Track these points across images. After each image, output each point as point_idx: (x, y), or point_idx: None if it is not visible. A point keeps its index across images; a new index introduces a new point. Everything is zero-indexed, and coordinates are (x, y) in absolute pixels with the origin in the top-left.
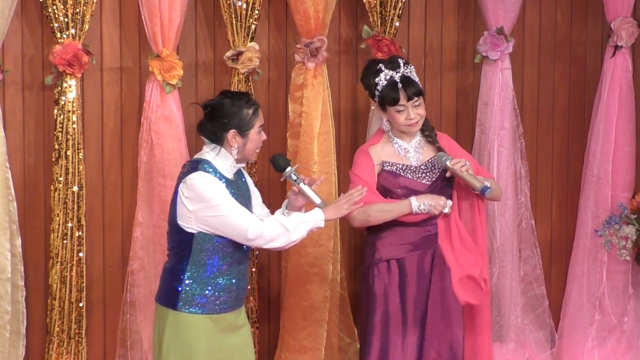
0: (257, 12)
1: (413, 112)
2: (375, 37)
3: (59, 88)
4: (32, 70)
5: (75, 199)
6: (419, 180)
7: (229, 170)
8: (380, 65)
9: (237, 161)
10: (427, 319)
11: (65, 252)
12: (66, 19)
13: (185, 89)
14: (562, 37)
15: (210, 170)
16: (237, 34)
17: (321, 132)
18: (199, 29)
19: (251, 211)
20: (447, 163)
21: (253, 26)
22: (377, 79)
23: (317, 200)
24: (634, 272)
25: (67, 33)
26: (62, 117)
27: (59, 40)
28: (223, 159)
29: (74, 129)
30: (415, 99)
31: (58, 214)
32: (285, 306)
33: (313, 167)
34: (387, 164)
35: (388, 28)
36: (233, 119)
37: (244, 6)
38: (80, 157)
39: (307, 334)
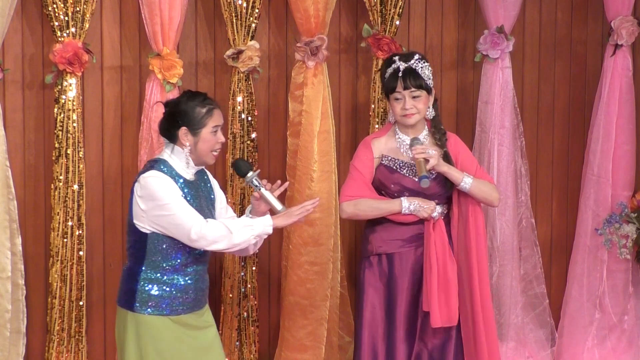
0: (257, 10)
1: (409, 102)
2: (376, 36)
3: (59, 87)
4: (33, 69)
5: (76, 197)
6: (414, 178)
7: (186, 171)
8: (396, 57)
9: (195, 163)
10: (419, 316)
11: (66, 251)
12: (66, 18)
13: (186, 88)
14: (562, 36)
15: (165, 169)
16: (237, 32)
17: (321, 131)
18: (199, 27)
19: (213, 214)
20: (411, 147)
21: (253, 25)
22: (387, 69)
23: (279, 207)
24: (634, 270)
25: (68, 32)
26: (62, 115)
27: (59, 39)
28: (179, 158)
29: (74, 127)
30: (413, 89)
31: (58, 212)
32: (285, 305)
33: (313, 166)
34: (385, 158)
35: (388, 27)
36: (184, 117)
37: (244, 5)
38: (80, 155)
39: (307, 333)
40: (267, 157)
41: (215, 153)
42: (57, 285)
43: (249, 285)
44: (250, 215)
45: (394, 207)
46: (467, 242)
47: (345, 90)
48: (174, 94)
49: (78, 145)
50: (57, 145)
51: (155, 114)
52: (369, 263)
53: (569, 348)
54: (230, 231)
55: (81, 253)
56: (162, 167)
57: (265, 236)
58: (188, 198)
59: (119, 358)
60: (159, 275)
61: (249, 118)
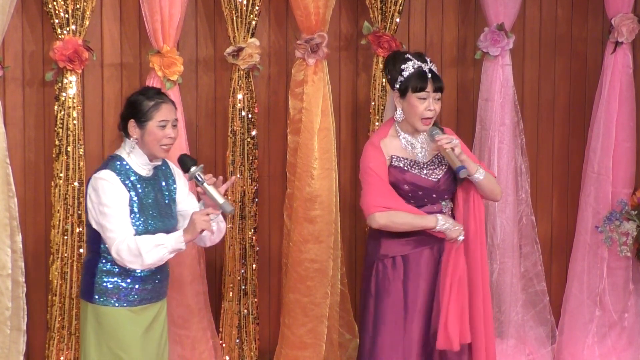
0: (257, 8)
1: (433, 104)
2: (376, 33)
3: (60, 84)
4: (33, 67)
5: (76, 195)
6: (426, 177)
7: (142, 167)
8: (408, 55)
9: (150, 158)
10: (433, 313)
11: (66, 248)
12: (66, 15)
13: (186, 85)
14: (562, 33)
15: (119, 165)
16: (237, 30)
17: (321, 129)
18: (199, 25)
19: (172, 208)
20: (435, 137)
21: (253, 22)
22: (404, 65)
23: (220, 200)
24: (634, 268)
25: (68, 29)
26: (62, 113)
27: (60, 36)
28: (130, 151)
29: (74, 125)
30: (439, 93)
31: (58, 210)
32: (285, 302)
33: (314, 164)
34: (395, 159)
35: (388, 24)
36: (132, 109)
37: (245, 2)
38: (80, 153)
39: (308, 330)
40: (267, 154)
41: (164, 147)
42: (57, 282)
43: (249, 283)
44: (198, 211)
45: (428, 223)
46: (467, 235)
47: (346, 87)
48: (174, 92)
49: (78, 142)
50: (57, 142)
51: None
52: (383, 265)
53: (569, 345)
54: (141, 253)
55: (81, 250)
56: (117, 164)
57: (182, 250)
58: (141, 195)
59: (81, 349)
60: (116, 267)
61: (249, 115)
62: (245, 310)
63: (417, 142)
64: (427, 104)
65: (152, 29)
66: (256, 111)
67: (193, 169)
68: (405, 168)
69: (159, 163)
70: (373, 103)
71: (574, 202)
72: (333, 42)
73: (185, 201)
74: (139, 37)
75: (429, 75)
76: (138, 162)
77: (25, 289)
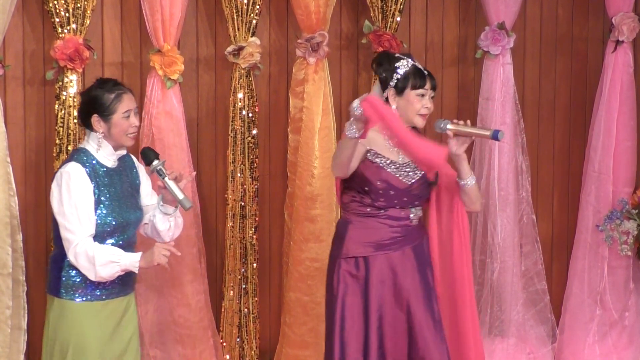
0: (258, 7)
1: (429, 101)
2: (377, 32)
3: (60, 83)
4: (33, 65)
5: None
6: (400, 177)
7: (107, 158)
8: (397, 54)
9: (115, 147)
10: (386, 321)
11: None
12: (67, 14)
13: (186, 84)
14: (563, 32)
15: (85, 158)
16: (238, 29)
17: (322, 127)
18: (200, 23)
19: (138, 200)
20: (449, 126)
21: (254, 21)
22: (399, 64)
23: (180, 196)
24: (635, 267)
25: (68, 28)
26: (63, 112)
27: (60, 35)
28: (97, 145)
29: (75, 124)
30: (434, 92)
31: None
32: (286, 301)
33: (314, 163)
34: (372, 154)
35: (389, 23)
36: (94, 104)
37: (245, 1)
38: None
39: (309, 329)
40: (268, 153)
41: (130, 136)
42: None
43: (249, 282)
44: (162, 204)
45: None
46: (452, 244)
47: (346, 86)
48: (175, 91)
49: (79, 141)
50: (58, 141)
51: (155, 110)
52: (345, 263)
53: (569, 344)
54: (94, 264)
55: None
56: (83, 157)
57: (134, 270)
58: (109, 186)
59: (44, 343)
60: None
61: (250, 114)
62: (246, 309)
63: None
64: (424, 101)
65: (152, 27)
66: (257, 110)
67: (155, 162)
68: (381, 165)
69: (124, 153)
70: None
71: (574, 201)
72: (334, 41)
73: (149, 196)
74: (140, 36)
75: (426, 73)
76: (104, 153)
77: (26, 287)
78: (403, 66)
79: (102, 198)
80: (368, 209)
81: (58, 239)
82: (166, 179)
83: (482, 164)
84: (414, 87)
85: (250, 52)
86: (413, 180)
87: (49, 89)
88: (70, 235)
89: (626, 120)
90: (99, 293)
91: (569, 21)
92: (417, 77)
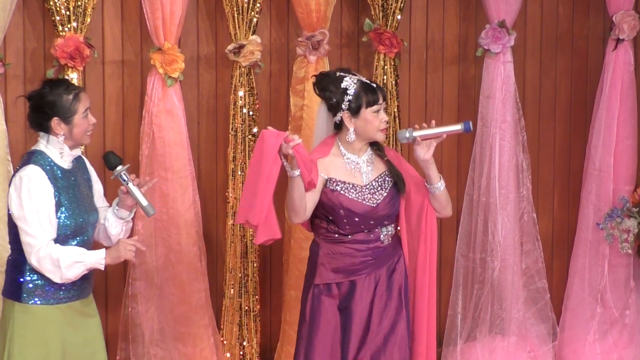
0: (258, 5)
1: (385, 114)
2: (377, 31)
3: None
4: (34, 64)
5: None
6: (363, 201)
7: (64, 159)
8: (337, 72)
9: (71, 147)
10: (366, 344)
11: None
12: (68, 12)
13: (187, 82)
14: (563, 30)
15: (43, 161)
16: (238, 27)
17: None
18: (200, 22)
19: (93, 200)
20: (416, 133)
21: (255, 19)
22: (345, 84)
23: (144, 202)
24: (635, 265)
25: (69, 26)
26: None
27: (61, 34)
28: (56, 148)
29: None
30: (385, 102)
31: None
32: (286, 299)
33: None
34: (331, 182)
35: (390, 21)
36: (53, 107)
37: None
38: (81, 150)
39: None
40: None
41: (89, 134)
42: None
43: (250, 280)
44: (117, 208)
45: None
46: (417, 253)
47: None
48: (175, 89)
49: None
50: None
51: (156, 108)
52: (319, 290)
53: (570, 342)
54: (60, 267)
55: None
56: (39, 159)
57: (100, 267)
58: (67, 188)
59: (3, 350)
60: None
61: (251, 112)
62: (247, 307)
63: (361, 161)
64: (381, 115)
65: (153, 26)
66: (257, 108)
67: (119, 168)
68: (342, 192)
69: (78, 154)
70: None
71: (575, 199)
72: (334, 39)
73: (101, 198)
74: (140, 35)
75: (375, 86)
76: (58, 155)
77: None
78: (351, 86)
79: (62, 200)
80: (335, 235)
81: (16, 243)
82: (130, 184)
83: (483, 162)
84: (369, 105)
85: (251, 50)
86: (378, 201)
87: None
88: (32, 240)
89: (627, 119)
90: (61, 295)
91: (569, 19)
92: (368, 94)
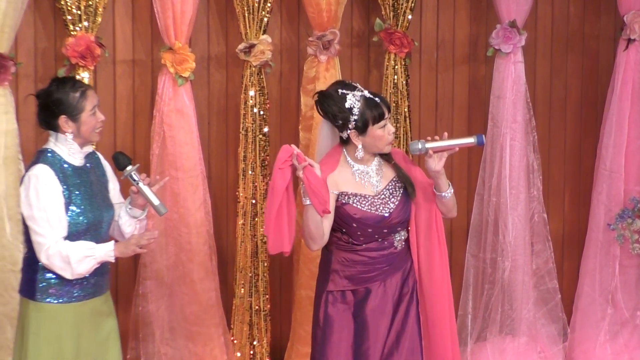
0: (269, 4)
1: (392, 126)
2: (388, 30)
3: None
4: (45, 63)
5: None
6: (375, 212)
7: (75, 157)
8: (338, 90)
9: (81, 145)
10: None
11: None
12: (79, 12)
13: (198, 82)
14: (574, 30)
15: (52, 159)
16: (249, 26)
17: None
18: (211, 21)
19: (108, 197)
20: (428, 145)
21: (265, 19)
22: (349, 103)
23: (156, 202)
24: None
25: (80, 25)
26: None
27: (72, 33)
28: (65, 146)
29: None
30: (390, 112)
31: None
32: (297, 299)
33: None
34: (342, 196)
35: (400, 21)
36: (60, 105)
37: None
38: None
39: None
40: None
41: (98, 131)
42: None
43: (260, 279)
44: (130, 207)
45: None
46: (431, 255)
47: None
48: (186, 88)
49: None
50: None
51: (167, 107)
52: (333, 297)
53: (581, 343)
54: (70, 263)
55: None
56: (48, 158)
57: (110, 259)
58: (79, 186)
59: (18, 347)
60: None
61: (261, 112)
62: (257, 307)
63: (371, 170)
64: (388, 128)
65: (164, 25)
66: (268, 108)
67: (129, 168)
68: (354, 205)
69: (90, 150)
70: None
71: (585, 199)
72: (345, 39)
73: (116, 195)
74: (151, 34)
75: (378, 100)
76: (69, 152)
77: None
78: (355, 104)
79: (73, 198)
80: (348, 244)
81: (30, 241)
82: (140, 184)
83: (493, 162)
84: (375, 121)
85: (262, 49)
86: (391, 210)
87: None
88: (41, 239)
89: (638, 119)
90: (75, 294)
91: (580, 19)
92: (373, 110)
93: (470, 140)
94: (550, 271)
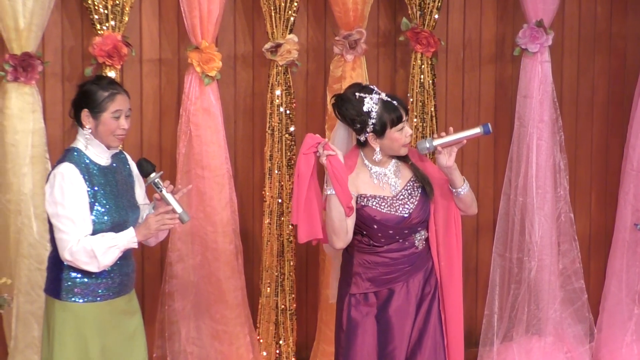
0: (295, 4)
1: (409, 128)
2: (414, 30)
3: None
4: (72, 62)
5: None
6: (395, 213)
7: (101, 156)
8: (356, 94)
9: (107, 146)
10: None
11: None
12: (106, 11)
13: (224, 81)
14: (601, 30)
15: (78, 157)
16: (275, 26)
17: None
18: (237, 21)
19: (134, 198)
20: (436, 142)
21: (292, 18)
22: (366, 107)
23: (179, 209)
24: None
25: (107, 25)
26: None
27: (99, 32)
28: (86, 142)
29: None
30: (408, 114)
31: None
32: (323, 298)
33: None
34: (361, 198)
35: (427, 20)
36: (85, 98)
37: None
38: (119, 148)
39: None
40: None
41: (118, 137)
42: None
43: (286, 279)
44: (154, 212)
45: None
46: (449, 250)
47: (384, 83)
48: (212, 87)
49: None
50: None
51: (193, 106)
52: (355, 300)
53: (607, 343)
54: (96, 255)
55: None
56: (75, 156)
57: (134, 247)
58: (104, 185)
59: (45, 345)
60: None
61: (287, 111)
62: (283, 306)
63: (388, 171)
64: (405, 130)
65: (190, 24)
66: (294, 107)
67: (153, 175)
68: (374, 207)
69: (117, 151)
70: (411, 99)
71: (612, 199)
72: (371, 38)
73: (142, 197)
74: (178, 33)
75: (395, 103)
76: (95, 151)
77: None
78: (373, 108)
79: (98, 197)
80: (369, 246)
81: (55, 239)
82: (164, 191)
83: (520, 162)
84: (393, 124)
85: (288, 49)
86: (411, 210)
87: None
88: (65, 236)
89: None
90: (100, 293)
91: (607, 19)
92: (391, 113)
93: (477, 130)
94: (576, 271)
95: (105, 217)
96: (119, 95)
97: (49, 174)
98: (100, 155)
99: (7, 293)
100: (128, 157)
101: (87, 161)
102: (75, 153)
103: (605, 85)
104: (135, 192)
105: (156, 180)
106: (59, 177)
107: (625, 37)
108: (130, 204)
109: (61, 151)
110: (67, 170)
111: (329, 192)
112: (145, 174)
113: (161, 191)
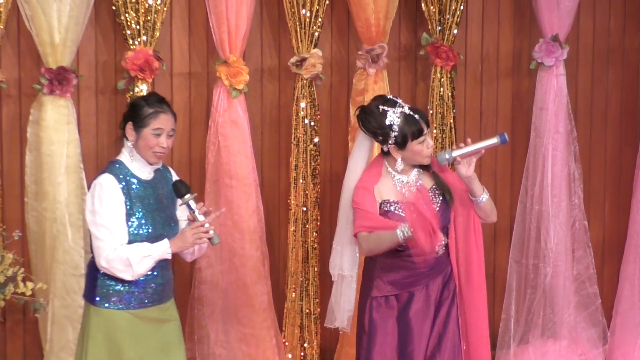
0: (320, 19)
1: (431, 140)
2: (434, 44)
3: (131, 92)
4: (105, 75)
5: None
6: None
7: (142, 170)
8: (379, 107)
9: (149, 162)
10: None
11: None
12: (138, 27)
13: (251, 94)
14: (615, 44)
15: (119, 169)
16: (301, 40)
17: None
18: (264, 35)
19: (174, 211)
20: (454, 154)
21: (316, 33)
22: (389, 120)
23: (210, 232)
24: None
25: (139, 40)
26: None
27: (131, 47)
28: (129, 154)
29: None
30: (429, 127)
31: None
32: None
33: None
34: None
35: (446, 35)
36: (132, 112)
37: (308, 14)
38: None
39: None
40: (329, 160)
41: (157, 154)
42: None
43: (311, 284)
44: (190, 226)
45: (393, 237)
46: (469, 257)
47: (405, 96)
48: (240, 100)
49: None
50: None
51: (222, 118)
52: (377, 303)
53: (620, 346)
54: (131, 264)
55: None
56: (116, 168)
57: (168, 257)
58: (143, 198)
59: (79, 349)
60: None
61: (312, 123)
62: (307, 310)
63: (411, 180)
64: (427, 142)
65: (219, 39)
66: (318, 119)
67: (187, 196)
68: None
69: (159, 166)
70: (431, 111)
71: (625, 207)
72: (392, 52)
73: (181, 212)
74: (207, 48)
75: (417, 117)
76: (138, 165)
77: None
78: (395, 121)
79: (135, 209)
80: (391, 250)
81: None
82: (196, 213)
83: (536, 171)
84: (414, 137)
85: (313, 63)
86: (435, 212)
87: (120, 98)
88: (102, 244)
89: None
90: (134, 301)
91: (620, 33)
92: (412, 126)
93: (494, 140)
94: (590, 277)
95: (141, 230)
96: (163, 114)
97: (91, 184)
98: (142, 169)
99: (42, 297)
100: (173, 173)
101: (128, 173)
102: (117, 165)
103: (619, 97)
104: (176, 207)
105: (190, 202)
106: (98, 187)
107: (638, 51)
108: (168, 219)
109: (95, 161)
110: (106, 181)
111: (405, 236)
112: (179, 195)
113: (194, 212)
